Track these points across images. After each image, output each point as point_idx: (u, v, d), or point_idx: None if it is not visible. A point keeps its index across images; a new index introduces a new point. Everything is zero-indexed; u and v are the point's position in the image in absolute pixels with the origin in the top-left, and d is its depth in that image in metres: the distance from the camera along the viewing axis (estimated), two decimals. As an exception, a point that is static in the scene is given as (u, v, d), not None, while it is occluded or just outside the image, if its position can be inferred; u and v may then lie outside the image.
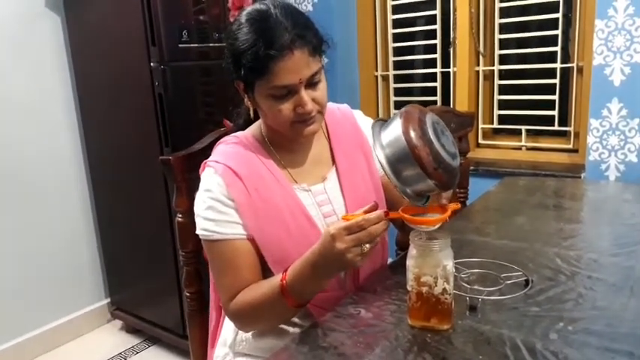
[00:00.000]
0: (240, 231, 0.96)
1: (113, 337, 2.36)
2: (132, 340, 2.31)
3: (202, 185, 0.99)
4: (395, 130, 0.82)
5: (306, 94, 0.93)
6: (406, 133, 0.80)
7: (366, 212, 0.85)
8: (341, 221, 0.84)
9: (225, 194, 0.96)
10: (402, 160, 0.80)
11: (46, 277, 2.24)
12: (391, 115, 2.71)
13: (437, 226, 0.83)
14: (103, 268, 2.45)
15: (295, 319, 1.02)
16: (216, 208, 0.96)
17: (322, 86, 0.96)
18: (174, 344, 2.15)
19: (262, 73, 0.90)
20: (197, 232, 0.98)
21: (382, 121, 0.88)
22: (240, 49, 0.91)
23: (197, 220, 0.98)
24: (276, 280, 0.91)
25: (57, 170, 2.26)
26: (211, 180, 0.97)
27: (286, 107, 0.93)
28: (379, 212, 0.83)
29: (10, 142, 2.09)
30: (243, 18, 0.93)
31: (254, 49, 0.89)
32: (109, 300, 2.47)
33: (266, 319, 0.98)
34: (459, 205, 0.86)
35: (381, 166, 0.82)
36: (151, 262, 2.17)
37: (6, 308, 2.12)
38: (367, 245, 0.83)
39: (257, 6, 0.94)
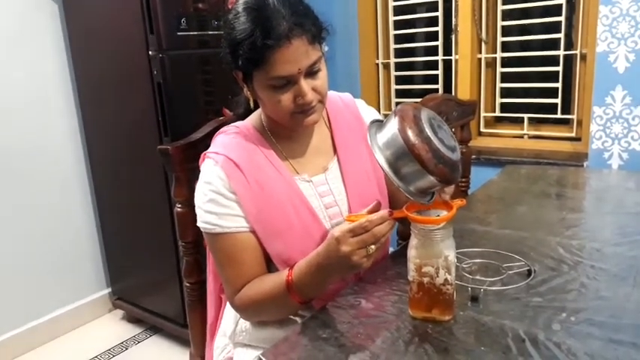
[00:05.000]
0: (243, 224, 0.95)
1: (114, 327, 2.36)
2: (133, 330, 2.32)
3: (202, 177, 0.98)
4: (391, 130, 0.80)
5: (305, 84, 0.91)
6: (403, 132, 0.78)
7: (369, 212, 0.84)
8: (345, 223, 0.83)
9: (227, 187, 0.95)
10: (401, 159, 0.79)
11: (47, 266, 2.24)
12: (391, 105, 2.67)
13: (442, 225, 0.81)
14: (103, 258, 2.45)
15: (296, 310, 1.02)
16: (217, 201, 0.95)
17: (322, 75, 0.94)
18: (175, 334, 2.16)
19: (260, 64, 0.88)
20: (198, 224, 0.97)
21: (378, 122, 0.86)
22: (237, 39, 0.89)
23: (198, 211, 0.97)
24: (282, 277, 0.91)
25: (56, 160, 2.25)
26: (212, 172, 0.96)
27: (286, 98, 0.91)
28: (383, 212, 0.82)
29: (9, 132, 2.07)
30: (240, 6, 0.91)
31: (251, 39, 0.87)
32: (110, 290, 2.47)
33: (272, 313, 0.99)
34: (464, 202, 0.85)
35: (382, 168, 0.81)
36: (151, 251, 2.17)
37: (7, 298, 2.12)
38: (372, 246, 0.81)
39: None
